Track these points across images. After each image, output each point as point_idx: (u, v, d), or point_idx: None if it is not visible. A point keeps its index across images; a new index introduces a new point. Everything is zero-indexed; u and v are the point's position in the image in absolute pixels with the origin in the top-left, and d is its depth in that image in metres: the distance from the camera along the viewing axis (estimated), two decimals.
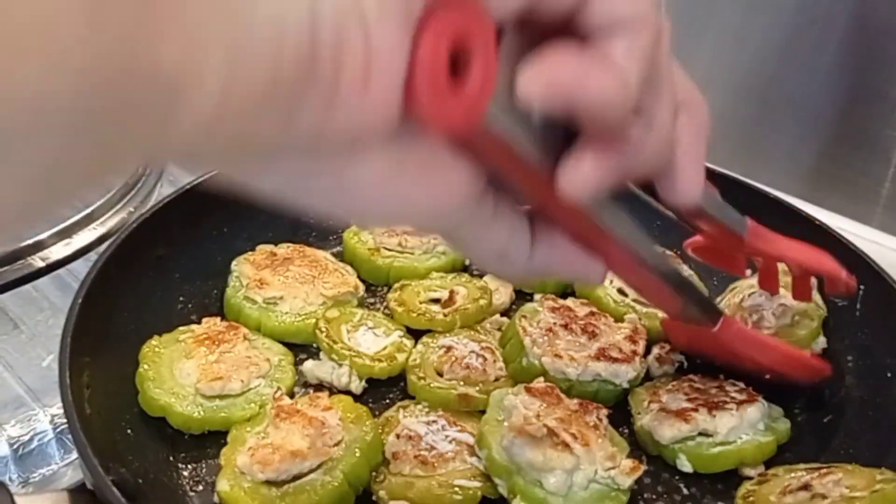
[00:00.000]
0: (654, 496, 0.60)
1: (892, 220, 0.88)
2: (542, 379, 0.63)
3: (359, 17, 0.26)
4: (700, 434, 0.61)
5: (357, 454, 0.57)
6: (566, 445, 0.56)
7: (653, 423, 0.62)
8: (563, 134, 0.33)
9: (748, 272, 0.71)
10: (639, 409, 0.64)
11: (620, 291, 0.75)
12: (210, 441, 0.61)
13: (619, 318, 0.72)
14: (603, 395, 0.65)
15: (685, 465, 0.61)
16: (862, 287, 0.69)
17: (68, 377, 0.55)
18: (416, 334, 0.70)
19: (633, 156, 0.34)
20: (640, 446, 0.63)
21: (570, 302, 0.71)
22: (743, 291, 0.72)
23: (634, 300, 0.74)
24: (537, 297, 0.77)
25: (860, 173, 0.89)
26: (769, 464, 0.62)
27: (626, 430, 0.64)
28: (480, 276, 0.79)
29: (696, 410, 0.61)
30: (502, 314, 0.74)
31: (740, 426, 0.61)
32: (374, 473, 0.58)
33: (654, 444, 0.62)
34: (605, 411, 0.61)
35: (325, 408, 0.59)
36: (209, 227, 0.76)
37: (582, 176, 0.33)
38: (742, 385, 0.65)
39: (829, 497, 0.55)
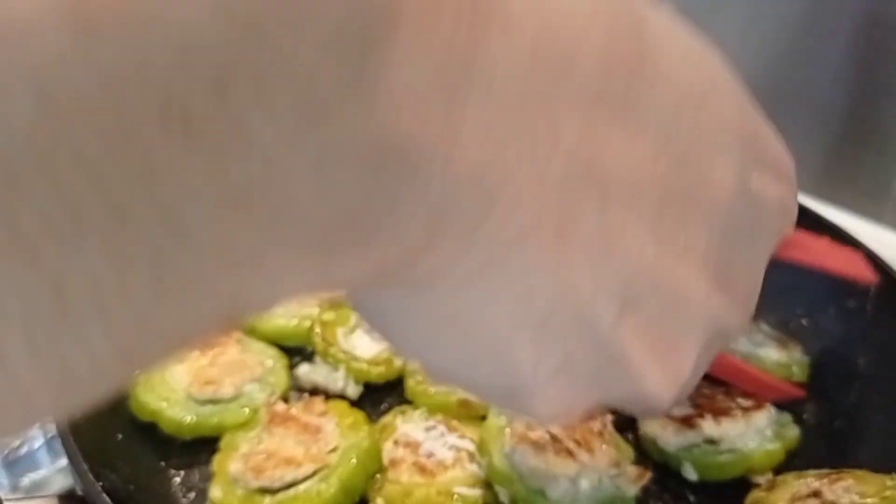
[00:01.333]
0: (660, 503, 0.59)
1: None
2: None
3: None
4: (706, 441, 0.60)
5: (353, 461, 0.55)
6: (569, 452, 0.55)
7: (657, 429, 0.60)
8: None
9: None
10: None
11: None
12: (202, 447, 0.59)
13: None
14: None
15: (690, 474, 0.59)
16: (872, 287, 0.67)
17: None
18: None
19: None
20: (645, 452, 0.62)
21: None
22: None
23: None
24: None
25: (870, 171, 0.88)
26: (778, 470, 0.60)
27: (632, 436, 0.63)
28: None
29: (701, 417, 0.60)
30: None
31: (747, 433, 0.59)
32: (371, 481, 0.56)
33: (658, 451, 0.60)
34: (609, 416, 0.60)
35: (320, 413, 0.58)
36: None
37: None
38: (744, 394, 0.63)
39: None
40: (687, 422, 0.60)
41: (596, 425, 0.58)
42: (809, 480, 0.57)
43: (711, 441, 0.59)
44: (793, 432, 0.62)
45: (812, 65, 0.89)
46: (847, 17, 0.85)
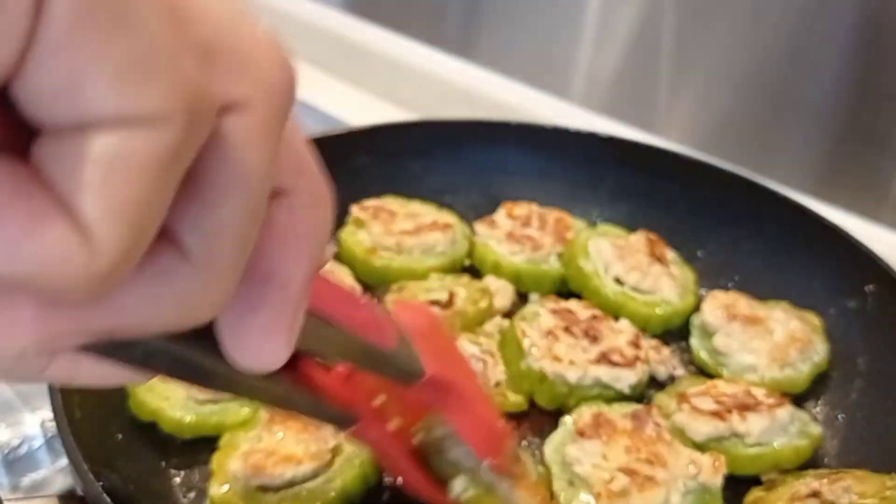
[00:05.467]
0: None
1: None
2: (583, 413, 0.60)
3: None
4: (734, 435, 0.60)
5: (354, 460, 0.55)
6: (650, 479, 0.54)
7: (687, 419, 0.60)
8: None
9: None
10: (667, 411, 0.62)
11: (617, 281, 0.74)
12: (202, 446, 0.59)
13: (617, 308, 0.71)
14: (604, 401, 0.63)
15: None
16: (872, 287, 0.68)
17: None
18: None
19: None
20: None
21: (571, 304, 0.70)
22: None
23: (633, 288, 0.73)
24: (533, 297, 0.76)
25: (869, 171, 0.88)
26: (804, 467, 0.60)
27: None
28: (480, 278, 0.77)
29: (728, 412, 0.60)
30: (503, 316, 0.73)
31: (772, 428, 0.60)
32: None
33: (687, 442, 0.59)
34: (656, 412, 0.59)
35: None
36: None
37: None
38: (766, 391, 0.63)
39: None
40: (717, 414, 0.60)
41: (649, 430, 0.57)
42: (809, 480, 0.57)
43: (738, 436, 0.60)
44: (817, 430, 0.62)
45: (812, 68, 0.89)
46: (846, 20, 0.85)
